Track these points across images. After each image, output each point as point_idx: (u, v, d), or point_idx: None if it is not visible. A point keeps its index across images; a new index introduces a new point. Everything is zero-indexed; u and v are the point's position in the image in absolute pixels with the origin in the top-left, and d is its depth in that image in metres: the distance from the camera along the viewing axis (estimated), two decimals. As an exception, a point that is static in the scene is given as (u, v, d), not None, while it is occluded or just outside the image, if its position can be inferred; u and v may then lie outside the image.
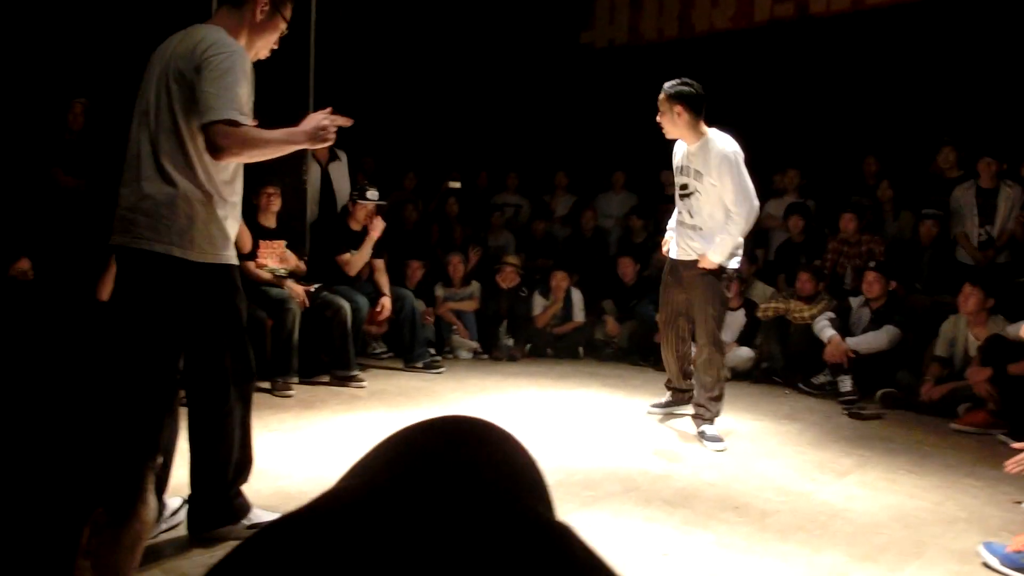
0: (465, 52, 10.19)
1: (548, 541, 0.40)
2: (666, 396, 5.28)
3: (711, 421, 4.67)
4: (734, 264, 4.74)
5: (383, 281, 6.56)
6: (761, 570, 2.81)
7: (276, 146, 2.69)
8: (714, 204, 4.65)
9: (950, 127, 7.58)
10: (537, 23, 10.51)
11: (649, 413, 5.25)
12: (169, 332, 2.72)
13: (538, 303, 7.86)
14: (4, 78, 6.26)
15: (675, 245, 4.94)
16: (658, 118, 4.81)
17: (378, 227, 6.37)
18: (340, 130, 2.77)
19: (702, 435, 4.60)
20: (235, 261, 2.84)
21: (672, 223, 5.09)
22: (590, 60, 10.67)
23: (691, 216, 4.75)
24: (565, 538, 0.41)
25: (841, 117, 8.45)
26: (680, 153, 4.90)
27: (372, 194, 6.40)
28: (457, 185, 9.04)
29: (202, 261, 2.68)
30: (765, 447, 4.59)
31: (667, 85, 4.75)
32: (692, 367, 4.98)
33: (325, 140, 2.71)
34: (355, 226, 6.42)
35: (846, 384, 5.92)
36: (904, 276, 6.67)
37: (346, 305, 5.95)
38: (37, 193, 5.95)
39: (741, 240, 4.71)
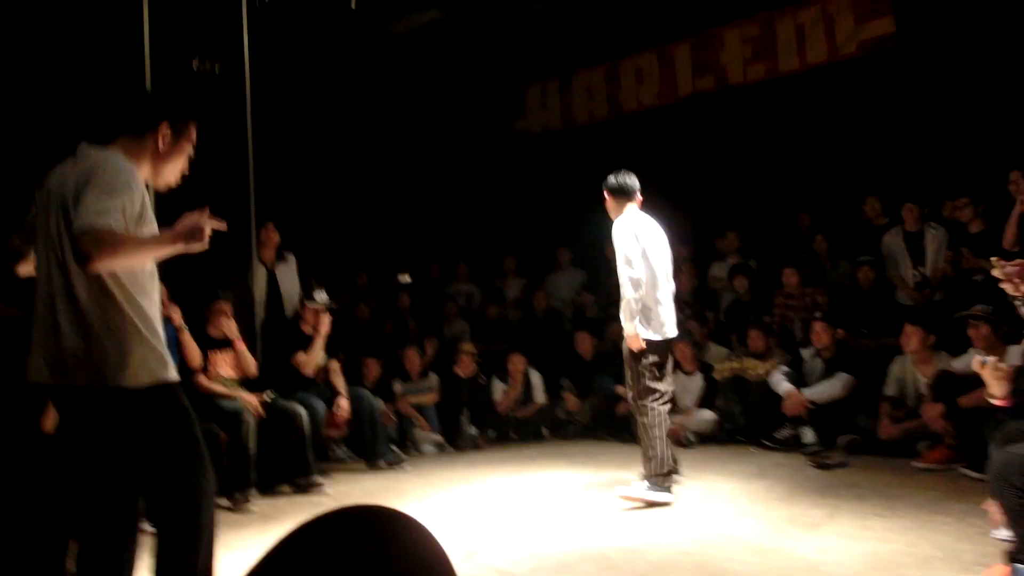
0: (405, 149, 10.36)
1: None
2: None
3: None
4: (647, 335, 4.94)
5: (339, 382, 6.51)
6: (744, 634, 2.78)
7: (147, 249, 2.58)
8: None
9: (873, 177, 7.88)
10: (472, 116, 10.74)
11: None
12: (121, 464, 2.66)
13: (498, 388, 7.84)
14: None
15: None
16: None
17: (325, 323, 6.36)
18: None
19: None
20: (175, 378, 2.74)
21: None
22: (526, 146, 10.92)
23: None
24: None
25: (772, 178, 8.72)
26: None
27: (320, 296, 6.40)
28: (407, 279, 9.09)
29: (141, 386, 2.60)
30: (737, 507, 4.58)
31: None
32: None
33: (199, 241, 2.56)
34: (307, 329, 6.39)
35: (808, 435, 5.97)
36: (849, 323, 6.81)
37: (302, 412, 5.87)
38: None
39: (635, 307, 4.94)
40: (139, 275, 2.65)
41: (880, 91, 8.09)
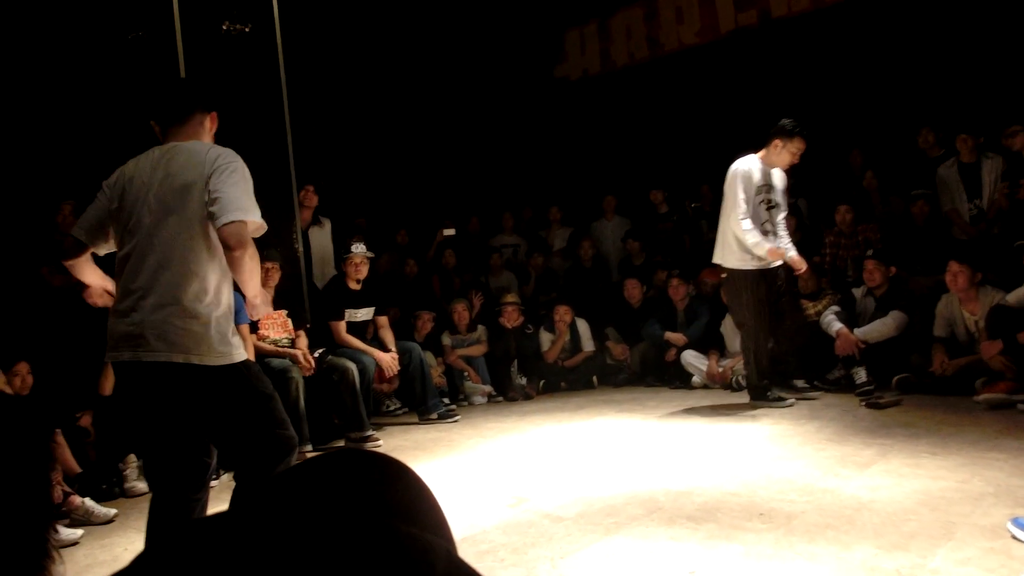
0: (445, 101, 10.31)
1: (407, 558, 0.40)
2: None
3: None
4: None
5: (388, 338, 6.58)
6: (792, 574, 2.77)
7: (252, 280, 2.75)
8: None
9: (926, 108, 7.62)
10: (512, 64, 10.64)
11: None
12: (190, 432, 2.76)
13: (545, 339, 7.86)
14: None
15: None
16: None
17: (363, 271, 6.41)
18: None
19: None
20: (247, 357, 2.86)
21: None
22: (567, 92, 10.79)
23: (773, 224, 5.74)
24: (428, 555, 0.41)
25: (818, 114, 8.48)
26: (764, 174, 5.81)
27: (357, 247, 6.42)
28: (451, 232, 9.09)
29: (220, 364, 2.70)
30: (786, 449, 4.55)
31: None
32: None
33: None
34: (352, 285, 6.45)
35: (861, 375, 5.88)
36: (903, 260, 6.65)
37: (352, 366, 5.96)
38: (30, 294, 6.01)
39: None
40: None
41: (931, 18, 7.80)
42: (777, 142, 5.75)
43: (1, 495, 0.67)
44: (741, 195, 5.64)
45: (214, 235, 2.69)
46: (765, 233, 5.69)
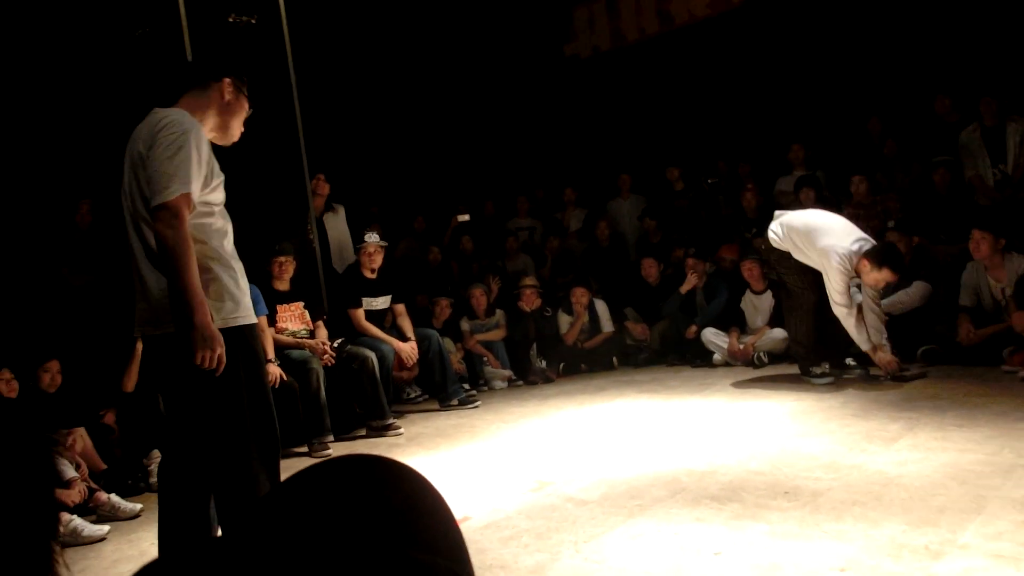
0: (455, 85, 10.25)
1: None
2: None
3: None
4: None
5: (406, 326, 6.56)
6: (818, 552, 2.72)
7: (188, 282, 2.55)
8: None
9: (945, 74, 7.48)
10: (520, 43, 10.55)
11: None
12: (186, 405, 2.74)
13: (564, 321, 7.82)
14: (13, 183, 6.41)
15: None
16: None
17: (378, 260, 6.39)
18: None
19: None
20: (248, 321, 2.81)
21: None
22: (578, 71, 10.69)
23: None
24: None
25: (835, 83, 8.38)
26: None
27: (371, 236, 6.40)
28: (466, 218, 9.05)
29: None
30: (810, 425, 4.49)
31: None
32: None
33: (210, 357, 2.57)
34: (368, 274, 6.43)
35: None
36: (925, 229, 6.54)
37: (371, 355, 5.94)
38: (51, 294, 6.05)
39: None
40: (209, 225, 2.74)
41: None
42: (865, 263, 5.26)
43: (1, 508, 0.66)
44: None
45: None
46: None
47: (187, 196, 2.58)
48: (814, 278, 5.48)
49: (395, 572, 0.38)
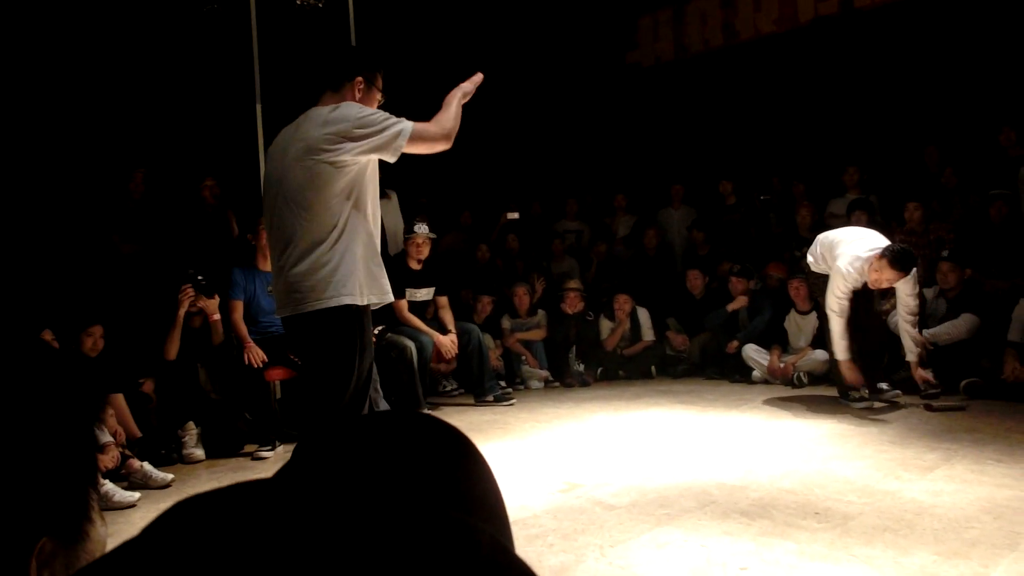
0: (514, 83, 10.29)
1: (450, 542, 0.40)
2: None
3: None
4: None
5: (447, 318, 6.62)
6: None
7: (456, 114, 3.22)
8: None
9: (1009, 105, 7.37)
10: (583, 49, 10.57)
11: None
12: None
13: (605, 326, 7.83)
14: (69, 151, 6.55)
15: None
16: None
17: (426, 251, 6.46)
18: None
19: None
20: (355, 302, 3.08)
21: None
22: (638, 79, 10.68)
23: None
24: (471, 539, 0.41)
25: (896, 109, 8.28)
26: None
27: (420, 228, 6.47)
28: (516, 216, 9.08)
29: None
30: (846, 449, 4.47)
31: None
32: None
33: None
34: (414, 265, 6.50)
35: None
36: (978, 261, 6.45)
37: (411, 344, 6.01)
38: (102, 260, 6.16)
39: None
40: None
41: (1016, 11, 7.51)
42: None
43: (44, 448, 0.68)
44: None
45: None
46: None
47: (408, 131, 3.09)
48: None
49: (436, 530, 0.40)
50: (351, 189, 3.11)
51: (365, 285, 3.12)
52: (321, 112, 3.09)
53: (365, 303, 3.12)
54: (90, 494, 0.72)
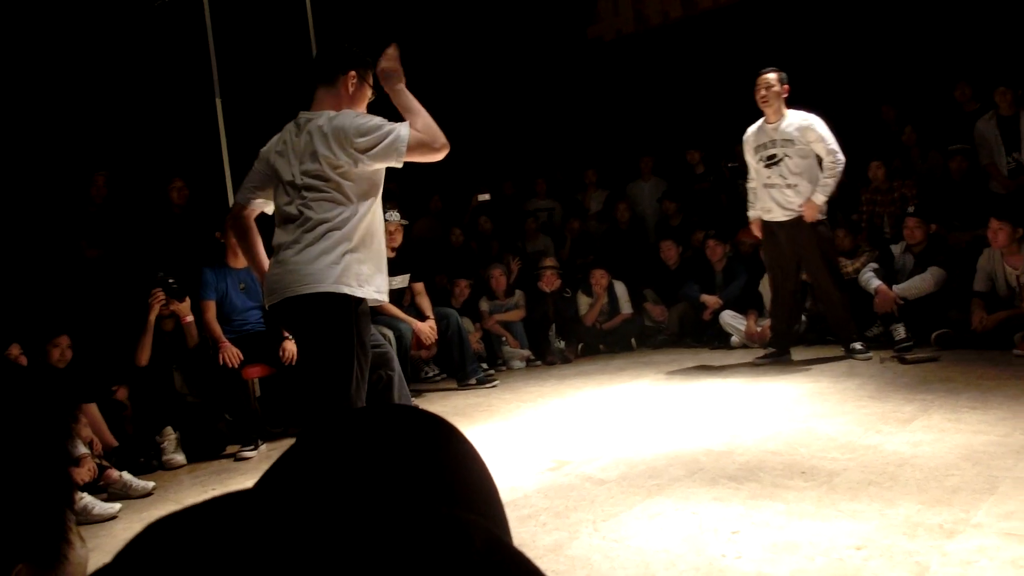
0: (476, 64, 10.27)
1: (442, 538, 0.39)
2: (769, 350, 6.20)
3: (855, 339, 5.84)
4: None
5: (424, 304, 6.63)
6: (834, 531, 2.80)
7: (422, 111, 3.22)
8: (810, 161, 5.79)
9: (961, 62, 7.48)
10: (543, 25, 10.55)
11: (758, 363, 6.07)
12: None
13: (583, 302, 7.89)
14: (26, 157, 6.46)
15: (772, 209, 5.87)
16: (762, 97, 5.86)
17: (397, 239, 6.47)
18: None
19: (852, 351, 5.80)
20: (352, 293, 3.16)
21: (756, 195, 6.04)
22: (601, 53, 10.68)
23: (784, 178, 5.77)
24: (464, 534, 0.40)
25: (851, 71, 8.37)
26: (757, 131, 5.98)
27: (392, 215, 6.47)
28: (486, 198, 9.10)
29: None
30: (826, 406, 4.57)
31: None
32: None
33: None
34: (388, 253, 6.47)
35: (900, 332, 5.87)
36: (941, 216, 6.58)
37: (389, 333, 6.03)
38: (67, 268, 6.07)
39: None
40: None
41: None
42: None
43: (14, 473, 0.65)
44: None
45: None
46: (772, 187, 5.88)
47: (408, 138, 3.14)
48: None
49: (427, 529, 0.39)
50: (363, 192, 3.21)
51: (368, 281, 3.22)
52: (320, 124, 3.14)
53: (363, 296, 3.18)
54: (67, 515, 0.71)
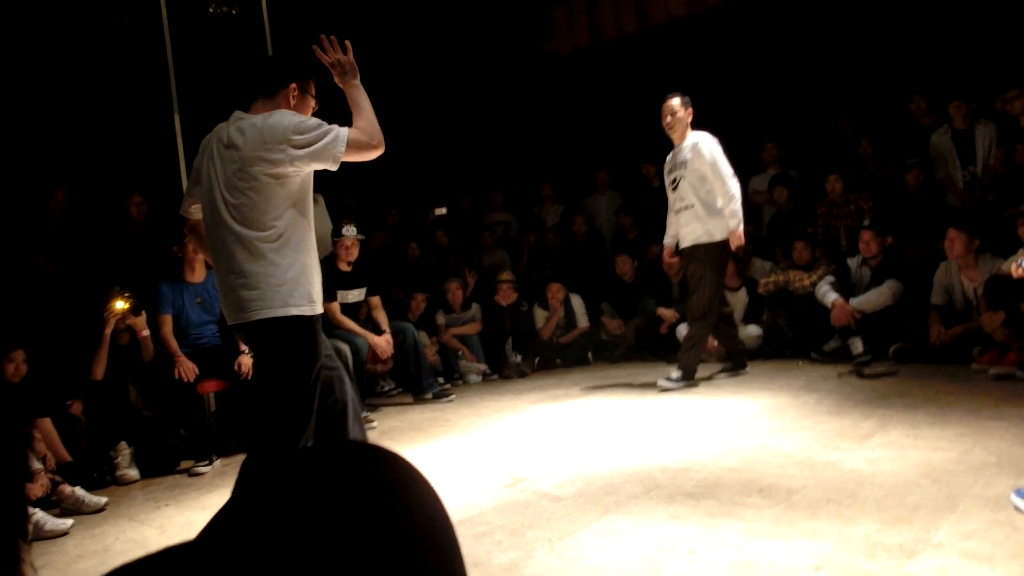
0: (433, 78, 10.20)
1: None
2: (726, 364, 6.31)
3: (684, 373, 5.88)
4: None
5: (381, 318, 6.52)
6: (793, 551, 2.73)
7: (368, 109, 3.14)
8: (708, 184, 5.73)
9: (917, 76, 7.56)
10: (499, 39, 10.51)
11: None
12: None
13: (540, 316, 7.83)
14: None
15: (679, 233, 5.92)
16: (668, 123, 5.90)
17: (354, 253, 6.35)
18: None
19: (669, 379, 5.84)
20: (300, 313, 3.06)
21: (668, 222, 6.08)
22: (557, 68, 10.67)
23: (682, 199, 5.80)
24: None
25: (807, 84, 8.43)
26: (669, 157, 6.03)
27: (348, 230, 6.36)
28: (443, 212, 9.02)
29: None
30: (784, 423, 4.52)
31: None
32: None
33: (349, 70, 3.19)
34: (343, 267, 6.38)
35: (857, 346, 5.86)
36: (897, 228, 6.61)
37: (345, 347, 5.91)
38: (25, 282, 5.95)
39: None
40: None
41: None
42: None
43: None
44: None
45: None
46: (677, 212, 5.93)
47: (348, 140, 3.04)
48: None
49: None
50: (294, 198, 3.07)
51: (315, 294, 3.10)
52: (254, 123, 3.01)
53: (313, 314, 3.08)
54: (19, 546, 0.69)
